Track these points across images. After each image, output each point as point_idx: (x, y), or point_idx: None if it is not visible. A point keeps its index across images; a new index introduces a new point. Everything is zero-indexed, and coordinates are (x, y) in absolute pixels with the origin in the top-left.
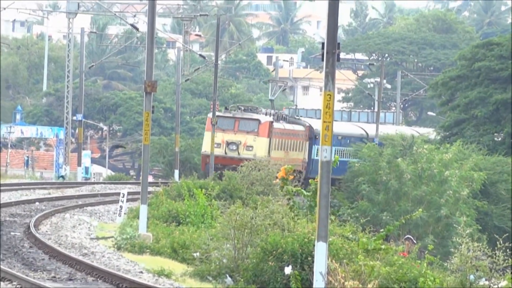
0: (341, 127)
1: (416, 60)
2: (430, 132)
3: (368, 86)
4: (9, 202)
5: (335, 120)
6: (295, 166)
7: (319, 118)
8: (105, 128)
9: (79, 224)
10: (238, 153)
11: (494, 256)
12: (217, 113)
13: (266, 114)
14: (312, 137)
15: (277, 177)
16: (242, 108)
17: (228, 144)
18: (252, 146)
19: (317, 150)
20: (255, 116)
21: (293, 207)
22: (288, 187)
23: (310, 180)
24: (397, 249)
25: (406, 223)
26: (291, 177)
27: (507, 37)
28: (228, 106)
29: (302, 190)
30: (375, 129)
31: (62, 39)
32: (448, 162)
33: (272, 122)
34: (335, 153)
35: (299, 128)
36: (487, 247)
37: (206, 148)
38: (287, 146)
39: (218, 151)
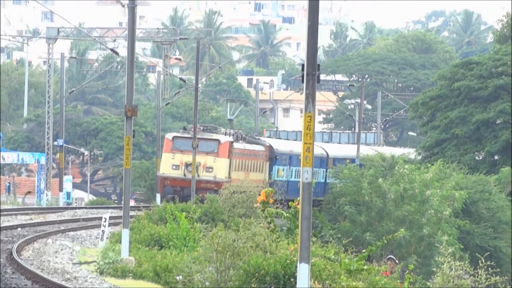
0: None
1: (396, 81)
2: (410, 152)
3: (349, 107)
4: None
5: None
6: (256, 188)
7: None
8: (86, 153)
9: (61, 249)
10: (198, 175)
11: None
12: (175, 134)
13: (225, 134)
14: (273, 157)
15: (257, 201)
16: (201, 128)
17: (187, 165)
18: (212, 168)
19: (277, 170)
20: (214, 136)
21: (274, 229)
22: (269, 209)
23: (289, 203)
24: (380, 269)
25: (388, 243)
26: (271, 200)
27: (486, 57)
28: (186, 126)
29: (283, 212)
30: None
31: (42, 64)
32: (429, 182)
33: (232, 142)
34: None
35: (259, 148)
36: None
37: (164, 170)
38: (248, 167)
39: (177, 173)
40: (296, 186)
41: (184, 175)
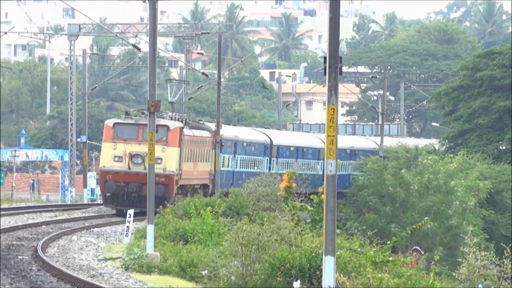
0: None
1: (418, 72)
2: (434, 143)
3: (372, 98)
4: (16, 226)
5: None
6: (202, 179)
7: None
8: None
9: (86, 246)
10: (145, 167)
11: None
12: (116, 120)
13: (171, 119)
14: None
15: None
16: (146, 112)
17: (131, 156)
18: (161, 158)
19: (223, 159)
20: (162, 121)
21: (299, 222)
22: (293, 203)
23: (311, 196)
24: (405, 261)
25: (413, 234)
26: (294, 184)
27: (509, 46)
28: (129, 110)
29: (307, 205)
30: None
31: (64, 61)
32: (453, 172)
33: (182, 128)
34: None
35: (206, 134)
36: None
37: (105, 162)
38: (196, 156)
39: (120, 166)
40: (242, 178)
41: (129, 168)
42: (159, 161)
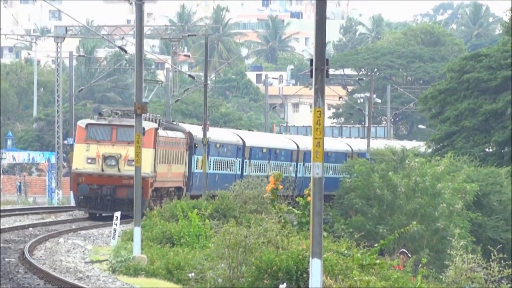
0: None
1: (405, 74)
2: (420, 145)
3: (358, 101)
4: (3, 228)
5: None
6: (176, 182)
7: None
8: None
9: (73, 248)
10: (119, 169)
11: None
12: (89, 121)
13: (145, 119)
14: (192, 146)
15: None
16: (119, 113)
17: (105, 158)
18: None
19: (197, 161)
20: None
21: (285, 225)
22: (280, 206)
23: (297, 198)
24: (392, 264)
25: (401, 236)
26: (281, 186)
27: (495, 48)
28: (102, 111)
29: (293, 209)
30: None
31: (50, 63)
32: (440, 175)
33: (157, 129)
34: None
35: (180, 135)
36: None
37: (77, 164)
38: (170, 158)
39: (93, 168)
40: (214, 180)
41: (102, 170)
42: (133, 163)
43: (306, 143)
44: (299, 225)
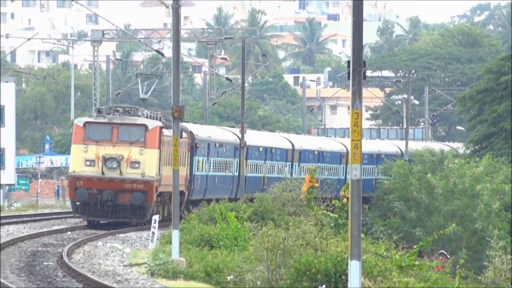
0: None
1: (443, 75)
2: (459, 147)
3: (396, 102)
4: (41, 232)
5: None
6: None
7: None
8: None
9: (111, 252)
10: (120, 172)
11: None
12: (87, 119)
13: (147, 117)
14: (194, 146)
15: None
16: (120, 110)
17: (105, 160)
18: (138, 162)
19: (198, 162)
20: (139, 120)
21: (323, 227)
22: (317, 212)
23: (333, 201)
24: (431, 265)
25: (439, 238)
26: (317, 184)
27: None
28: (101, 108)
29: (328, 213)
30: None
31: (87, 67)
32: (479, 176)
33: (162, 127)
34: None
35: (182, 135)
36: None
37: (75, 167)
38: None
39: (92, 171)
40: (214, 183)
41: (102, 173)
42: (137, 165)
43: (301, 142)
44: (336, 227)
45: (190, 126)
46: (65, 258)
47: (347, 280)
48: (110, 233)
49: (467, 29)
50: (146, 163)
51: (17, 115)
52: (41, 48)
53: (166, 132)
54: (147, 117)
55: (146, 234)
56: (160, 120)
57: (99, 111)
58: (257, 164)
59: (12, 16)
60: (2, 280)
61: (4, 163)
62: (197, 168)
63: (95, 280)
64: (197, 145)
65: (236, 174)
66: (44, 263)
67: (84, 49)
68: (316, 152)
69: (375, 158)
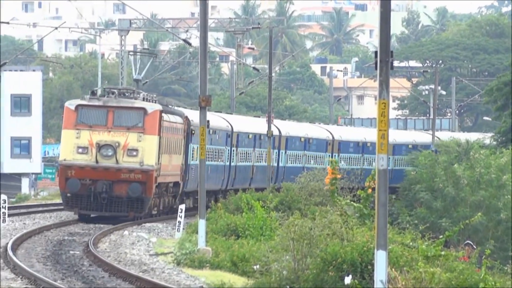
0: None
1: (470, 66)
2: (486, 137)
3: (423, 93)
4: (68, 221)
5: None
6: (175, 176)
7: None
8: None
9: (137, 241)
10: (116, 161)
11: None
12: (80, 102)
13: (144, 100)
14: (189, 133)
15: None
16: (116, 92)
17: (100, 147)
18: (136, 149)
19: (193, 150)
20: (138, 103)
21: (348, 218)
22: (341, 202)
23: (358, 191)
24: (457, 255)
25: (465, 228)
26: (339, 175)
27: None
28: (95, 89)
29: (353, 203)
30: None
31: (114, 56)
32: (504, 167)
33: (161, 111)
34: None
35: (178, 120)
36: None
37: (66, 155)
38: (171, 147)
39: (85, 159)
40: (208, 173)
41: (97, 161)
42: (134, 153)
43: (288, 128)
44: (361, 218)
45: (186, 112)
46: (91, 247)
47: (373, 270)
48: (136, 222)
49: (495, 19)
50: (145, 150)
51: (44, 104)
52: (68, 37)
53: (165, 117)
54: (144, 100)
55: (172, 224)
56: (156, 103)
57: (92, 93)
58: (296, 155)
59: (40, 5)
60: (28, 269)
61: (31, 152)
62: (193, 157)
63: (121, 269)
64: (193, 132)
65: (228, 163)
66: (70, 252)
67: (111, 38)
68: (360, 144)
69: (410, 149)
